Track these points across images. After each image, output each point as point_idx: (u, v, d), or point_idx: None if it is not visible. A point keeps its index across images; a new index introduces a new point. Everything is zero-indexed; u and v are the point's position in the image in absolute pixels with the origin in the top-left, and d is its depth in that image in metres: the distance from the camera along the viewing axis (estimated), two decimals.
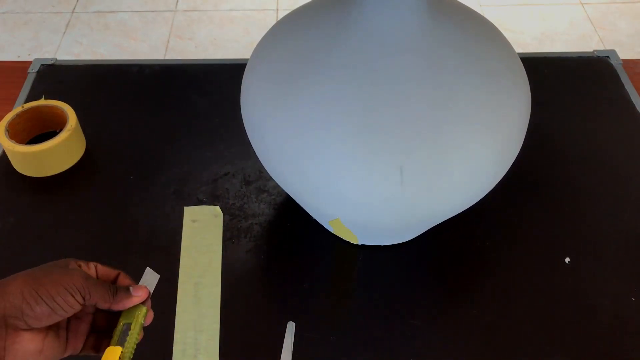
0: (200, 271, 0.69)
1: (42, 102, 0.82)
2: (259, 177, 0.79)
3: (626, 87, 0.93)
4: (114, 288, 0.50)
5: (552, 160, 0.82)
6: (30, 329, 0.46)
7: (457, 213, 0.64)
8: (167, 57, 1.98)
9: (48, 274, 0.47)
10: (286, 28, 0.61)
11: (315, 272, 0.70)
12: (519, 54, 0.65)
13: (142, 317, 0.50)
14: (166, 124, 0.87)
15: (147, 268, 0.53)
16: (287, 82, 0.57)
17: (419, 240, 0.73)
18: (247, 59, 0.66)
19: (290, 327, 0.65)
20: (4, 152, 0.81)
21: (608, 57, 0.98)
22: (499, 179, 0.61)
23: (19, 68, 0.96)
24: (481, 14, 0.63)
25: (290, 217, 0.75)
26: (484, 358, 0.63)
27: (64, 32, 2.09)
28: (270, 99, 0.58)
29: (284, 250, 0.72)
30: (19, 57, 1.99)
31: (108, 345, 0.48)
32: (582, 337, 0.65)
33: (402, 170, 0.54)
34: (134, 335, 0.48)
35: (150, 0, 2.21)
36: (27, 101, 0.88)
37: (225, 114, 0.87)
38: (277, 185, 0.77)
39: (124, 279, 0.52)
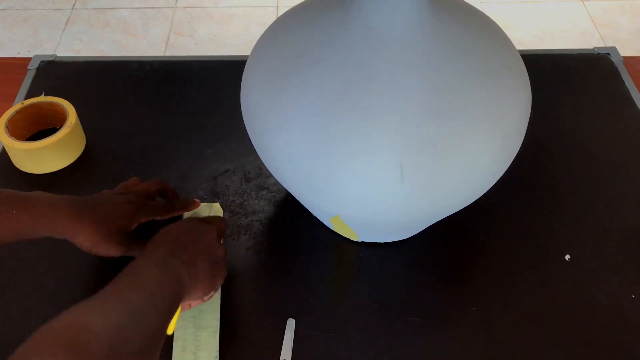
0: None
1: (42, 98, 0.82)
2: (259, 174, 0.79)
3: (627, 84, 0.92)
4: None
5: (552, 157, 0.82)
6: None
7: (457, 210, 0.64)
8: (167, 54, 1.98)
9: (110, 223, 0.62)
10: (286, 25, 0.61)
11: (315, 269, 0.70)
12: (519, 51, 0.65)
13: None
14: (166, 121, 0.87)
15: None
16: (287, 79, 0.57)
17: (419, 237, 0.73)
18: (247, 56, 0.66)
19: (290, 323, 0.65)
20: (3, 148, 0.81)
21: (609, 54, 0.98)
22: (499, 176, 0.61)
23: (18, 65, 0.95)
24: (481, 10, 0.63)
25: (291, 214, 0.75)
26: (484, 355, 0.63)
27: (64, 29, 2.08)
28: (270, 95, 0.58)
29: (284, 247, 0.72)
30: (18, 53, 1.98)
31: None
32: (582, 334, 0.65)
33: (402, 168, 0.54)
34: None
35: None
36: (26, 98, 0.88)
37: (225, 111, 0.87)
38: (277, 182, 0.77)
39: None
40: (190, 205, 0.72)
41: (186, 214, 0.73)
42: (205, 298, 0.61)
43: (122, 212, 0.63)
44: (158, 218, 0.69)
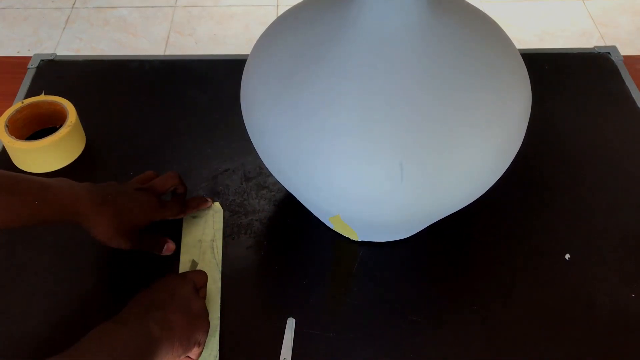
0: (201, 267, 0.69)
1: (42, 97, 0.82)
2: (259, 174, 0.79)
3: (627, 83, 0.92)
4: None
5: (552, 156, 0.82)
6: None
7: (457, 209, 0.64)
8: (167, 53, 1.98)
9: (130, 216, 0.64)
10: (286, 24, 0.61)
11: (315, 268, 0.70)
12: (519, 50, 0.65)
13: None
14: (166, 120, 0.86)
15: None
16: (287, 78, 0.57)
17: (419, 236, 0.73)
18: (247, 55, 0.66)
19: (290, 323, 0.65)
20: (3, 148, 0.81)
21: (609, 53, 0.98)
22: (500, 176, 0.61)
23: (18, 63, 0.95)
24: (482, 10, 0.63)
25: (290, 214, 0.75)
26: (484, 354, 0.63)
27: (64, 28, 2.08)
28: (270, 95, 0.58)
29: (284, 247, 0.72)
30: (18, 52, 1.98)
31: None
32: (582, 333, 0.65)
33: (402, 166, 0.54)
34: None
35: None
36: (26, 97, 0.88)
37: (225, 110, 0.87)
38: (277, 182, 0.76)
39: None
40: (202, 204, 0.73)
41: (188, 214, 0.74)
42: (191, 355, 0.59)
43: (141, 211, 0.65)
44: (170, 217, 0.71)
